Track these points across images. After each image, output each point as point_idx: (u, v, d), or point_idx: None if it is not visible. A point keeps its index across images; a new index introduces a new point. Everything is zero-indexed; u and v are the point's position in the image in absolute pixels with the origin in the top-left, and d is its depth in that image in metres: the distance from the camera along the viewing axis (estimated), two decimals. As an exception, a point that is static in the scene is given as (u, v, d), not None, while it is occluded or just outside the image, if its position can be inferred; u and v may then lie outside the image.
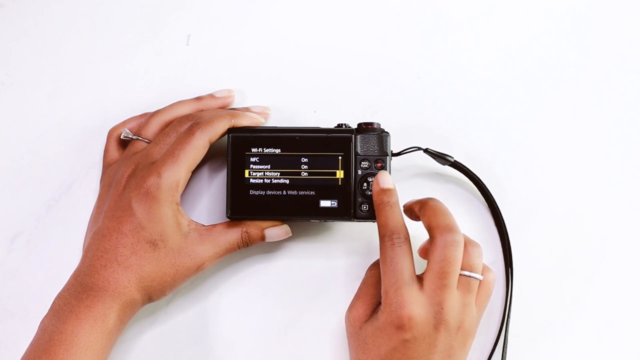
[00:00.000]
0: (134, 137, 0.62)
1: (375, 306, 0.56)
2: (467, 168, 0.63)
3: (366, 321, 0.55)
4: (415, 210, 0.58)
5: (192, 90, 0.65)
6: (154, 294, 0.58)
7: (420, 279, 0.54)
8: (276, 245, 0.63)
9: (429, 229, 0.55)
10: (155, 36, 0.68)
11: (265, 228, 0.60)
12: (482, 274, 0.56)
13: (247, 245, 0.60)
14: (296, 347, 0.63)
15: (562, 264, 0.64)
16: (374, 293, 0.57)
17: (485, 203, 0.64)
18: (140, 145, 0.61)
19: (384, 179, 0.58)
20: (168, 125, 0.61)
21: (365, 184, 0.59)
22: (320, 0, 0.68)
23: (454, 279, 0.54)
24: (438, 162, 0.62)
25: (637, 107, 0.66)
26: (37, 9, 0.68)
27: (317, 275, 0.63)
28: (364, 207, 0.59)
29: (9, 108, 0.67)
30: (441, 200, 0.57)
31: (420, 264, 0.57)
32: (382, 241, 0.55)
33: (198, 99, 0.64)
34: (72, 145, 0.66)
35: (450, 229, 0.54)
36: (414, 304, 0.53)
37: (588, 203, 0.65)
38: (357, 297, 0.57)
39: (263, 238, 0.60)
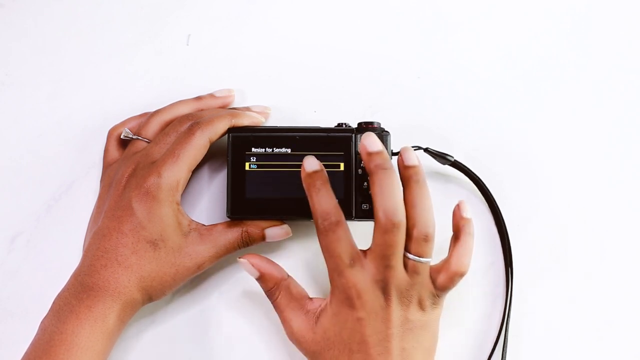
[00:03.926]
0: (134, 137, 0.62)
1: (306, 310, 0.56)
2: (467, 168, 0.63)
3: (317, 321, 0.55)
4: (366, 166, 0.54)
5: (192, 90, 0.65)
6: (154, 294, 0.58)
7: (364, 254, 0.54)
8: (276, 245, 0.63)
9: (374, 207, 0.53)
10: (155, 36, 0.68)
11: (266, 228, 0.60)
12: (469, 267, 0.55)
13: (247, 245, 0.60)
14: (296, 347, 0.62)
15: (562, 264, 0.64)
16: (297, 305, 0.57)
17: (485, 203, 0.64)
18: (141, 145, 0.61)
19: (309, 163, 0.55)
20: (168, 125, 0.61)
21: (365, 184, 0.59)
22: (320, 0, 0.68)
23: (396, 260, 0.53)
24: (438, 161, 0.63)
25: (637, 107, 0.66)
26: (37, 9, 0.68)
27: (317, 275, 0.63)
28: (364, 207, 0.59)
29: (9, 108, 0.67)
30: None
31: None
32: (316, 228, 0.54)
33: (198, 98, 0.64)
34: (72, 145, 0.66)
35: (388, 212, 0.52)
36: (360, 282, 0.53)
37: (588, 203, 0.65)
38: (288, 318, 0.57)
39: (263, 238, 0.60)
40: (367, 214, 0.59)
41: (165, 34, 0.68)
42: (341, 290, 0.54)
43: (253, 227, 0.60)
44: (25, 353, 0.55)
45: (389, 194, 0.53)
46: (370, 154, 0.54)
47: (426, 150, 0.62)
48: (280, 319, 0.58)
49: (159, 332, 0.63)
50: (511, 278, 0.62)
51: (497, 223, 0.64)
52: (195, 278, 0.62)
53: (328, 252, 0.54)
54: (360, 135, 0.58)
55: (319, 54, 0.67)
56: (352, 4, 0.68)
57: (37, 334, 0.56)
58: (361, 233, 0.64)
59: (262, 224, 0.60)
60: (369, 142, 0.54)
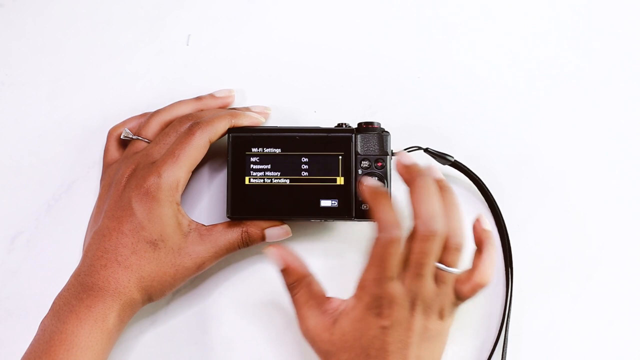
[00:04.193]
0: (134, 137, 0.62)
1: (324, 309, 0.56)
2: (467, 168, 0.63)
3: (335, 321, 0.55)
4: (404, 178, 0.56)
5: (192, 90, 0.65)
6: (154, 294, 0.58)
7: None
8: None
9: (413, 214, 0.54)
10: (155, 36, 0.68)
11: (266, 228, 0.60)
12: (484, 278, 0.56)
13: (247, 245, 0.60)
14: (296, 347, 0.62)
15: (562, 264, 0.64)
16: (315, 304, 0.56)
17: (486, 203, 0.64)
18: (141, 145, 0.61)
19: (371, 180, 0.57)
20: (168, 125, 0.61)
21: (365, 184, 0.59)
22: (320, 0, 0.68)
23: (429, 269, 0.54)
24: (438, 161, 0.63)
25: (637, 107, 0.66)
26: (37, 9, 0.68)
27: (317, 275, 0.63)
28: (365, 207, 0.59)
29: (9, 108, 0.67)
30: (430, 179, 0.55)
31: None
32: (377, 234, 0.54)
33: (198, 98, 0.64)
34: (72, 145, 0.66)
35: (429, 220, 0.53)
36: (394, 295, 0.53)
37: (588, 203, 0.65)
38: (305, 315, 0.56)
39: (263, 238, 0.60)
40: (367, 215, 0.59)
41: (165, 34, 0.68)
42: (373, 299, 0.53)
43: (253, 227, 0.60)
44: (25, 353, 0.55)
45: (428, 201, 0.54)
46: (406, 166, 0.56)
47: (426, 150, 0.62)
48: (297, 315, 0.57)
49: (159, 333, 0.63)
50: (511, 278, 0.62)
51: (497, 223, 0.64)
52: (195, 278, 0.62)
53: (379, 261, 0.53)
54: (360, 135, 0.59)
55: (319, 54, 0.67)
56: (352, 4, 0.68)
57: (37, 333, 0.56)
58: (361, 233, 0.64)
59: (262, 224, 0.60)
60: (403, 157, 0.56)
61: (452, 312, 0.56)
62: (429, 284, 0.54)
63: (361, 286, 0.54)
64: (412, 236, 0.54)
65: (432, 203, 0.54)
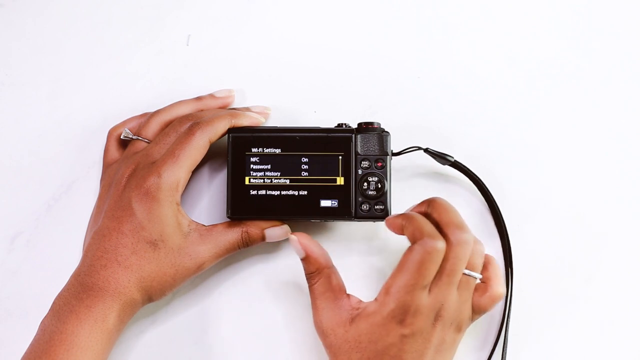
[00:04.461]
0: (134, 137, 0.62)
1: (340, 304, 0.56)
2: (467, 168, 0.63)
3: (353, 320, 0.55)
4: (423, 209, 0.57)
5: (192, 90, 0.65)
6: (154, 294, 0.58)
7: None
8: (276, 245, 0.63)
9: (440, 226, 0.55)
10: (155, 36, 0.68)
11: (266, 228, 0.60)
12: (497, 285, 0.57)
13: (247, 246, 0.60)
14: (296, 347, 0.62)
15: (562, 264, 0.64)
16: (332, 297, 0.56)
17: (485, 203, 0.64)
18: (141, 145, 0.61)
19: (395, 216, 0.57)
20: (168, 125, 0.61)
21: (365, 184, 0.59)
22: (320, 1, 0.68)
23: (458, 276, 0.55)
24: (438, 161, 0.62)
25: (637, 107, 0.66)
26: (37, 9, 0.68)
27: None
28: (365, 207, 0.59)
29: (9, 108, 0.67)
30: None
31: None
32: (417, 243, 0.54)
33: (198, 99, 0.64)
34: (72, 145, 0.66)
35: (462, 227, 0.55)
36: (421, 305, 0.53)
37: (588, 203, 0.65)
38: (320, 307, 0.57)
39: (263, 238, 0.60)
40: (367, 215, 0.59)
41: (165, 34, 0.68)
42: (399, 305, 0.53)
43: (253, 227, 0.60)
44: (25, 353, 0.55)
45: (453, 211, 0.55)
46: (396, 219, 0.56)
47: (426, 150, 0.62)
48: (312, 305, 0.57)
49: (159, 333, 0.63)
50: (511, 278, 0.62)
51: (497, 223, 0.64)
52: (195, 278, 0.62)
53: (417, 268, 0.53)
54: (360, 135, 0.59)
55: (319, 54, 0.67)
56: (352, 4, 0.68)
57: (37, 333, 0.56)
58: (361, 233, 0.64)
59: (262, 224, 0.60)
60: (389, 219, 0.57)
61: (467, 326, 0.57)
62: (454, 294, 0.55)
63: (387, 291, 0.54)
64: (447, 243, 0.54)
65: (457, 213, 0.55)
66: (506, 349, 0.61)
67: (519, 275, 0.63)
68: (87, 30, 0.68)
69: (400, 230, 0.56)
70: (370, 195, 0.59)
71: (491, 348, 0.62)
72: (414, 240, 0.54)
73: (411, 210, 0.58)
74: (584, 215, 0.64)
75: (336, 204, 0.59)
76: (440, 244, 0.53)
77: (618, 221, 0.64)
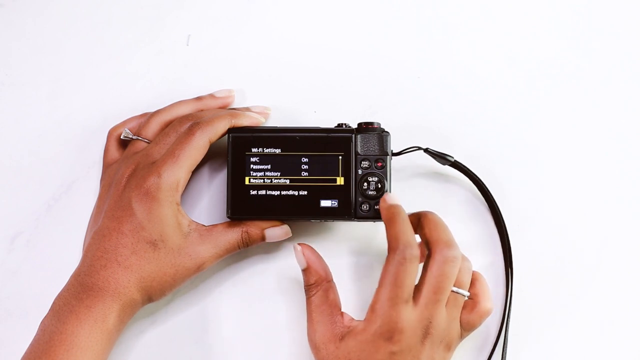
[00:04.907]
0: (134, 137, 0.62)
1: (334, 320, 0.56)
2: (467, 168, 0.63)
3: (342, 338, 0.55)
4: (414, 220, 0.58)
5: (192, 90, 0.65)
6: (154, 294, 0.58)
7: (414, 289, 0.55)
8: (276, 245, 0.63)
9: (428, 242, 0.56)
10: (155, 36, 0.68)
11: (266, 228, 0.60)
12: (483, 302, 0.57)
13: (247, 246, 0.60)
14: (296, 347, 0.62)
15: (562, 264, 0.64)
16: (328, 311, 0.57)
17: (485, 203, 0.64)
18: (141, 145, 0.61)
19: (392, 197, 0.57)
20: (168, 125, 0.61)
21: (365, 184, 0.59)
22: (320, 1, 0.68)
23: (446, 294, 0.55)
24: (438, 161, 0.62)
25: (637, 107, 0.66)
26: (37, 9, 0.68)
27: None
28: (365, 207, 0.59)
29: (9, 108, 0.67)
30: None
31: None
32: (391, 254, 0.54)
33: (198, 99, 0.64)
34: (72, 145, 0.66)
35: (450, 245, 0.55)
36: (407, 320, 0.53)
37: (588, 203, 0.65)
38: (315, 320, 0.57)
39: (263, 238, 0.60)
40: (367, 215, 0.59)
41: (165, 34, 0.68)
42: (385, 322, 0.53)
43: (253, 227, 0.60)
44: (25, 353, 0.55)
45: (445, 229, 0.56)
46: (392, 205, 0.57)
47: (426, 150, 0.62)
48: (308, 317, 0.58)
49: (159, 333, 0.63)
50: (511, 278, 0.62)
51: (497, 223, 0.64)
52: (195, 278, 0.62)
53: (394, 280, 0.53)
54: (360, 135, 0.59)
55: (319, 54, 0.67)
56: (352, 4, 0.68)
57: (36, 334, 0.56)
58: (361, 233, 0.64)
59: (262, 224, 0.60)
60: (391, 197, 0.57)
61: (457, 345, 0.57)
62: (443, 311, 0.55)
63: (372, 309, 0.54)
64: (430, 261, 0.55)
65: (447, 230, 0.56)
66: (506, 349, 0.61)
67: (519, 275, 0.63)
68: (87, 30, 0.68)
69: (383, 218, 0.56)
70: (370, 195, 0.59)
71: (491, 348, 0.62)
72: (390, 247, 0.55)
73: None
74: (584, 216, 0.64)
75: (336, 204, 0.59)
76: (412, 253, 0.53)
77: (618, 221, 0.64)
